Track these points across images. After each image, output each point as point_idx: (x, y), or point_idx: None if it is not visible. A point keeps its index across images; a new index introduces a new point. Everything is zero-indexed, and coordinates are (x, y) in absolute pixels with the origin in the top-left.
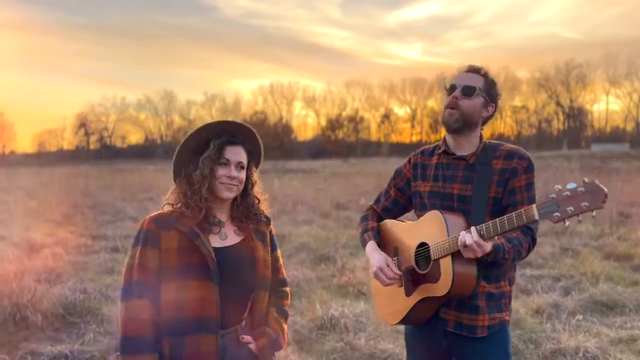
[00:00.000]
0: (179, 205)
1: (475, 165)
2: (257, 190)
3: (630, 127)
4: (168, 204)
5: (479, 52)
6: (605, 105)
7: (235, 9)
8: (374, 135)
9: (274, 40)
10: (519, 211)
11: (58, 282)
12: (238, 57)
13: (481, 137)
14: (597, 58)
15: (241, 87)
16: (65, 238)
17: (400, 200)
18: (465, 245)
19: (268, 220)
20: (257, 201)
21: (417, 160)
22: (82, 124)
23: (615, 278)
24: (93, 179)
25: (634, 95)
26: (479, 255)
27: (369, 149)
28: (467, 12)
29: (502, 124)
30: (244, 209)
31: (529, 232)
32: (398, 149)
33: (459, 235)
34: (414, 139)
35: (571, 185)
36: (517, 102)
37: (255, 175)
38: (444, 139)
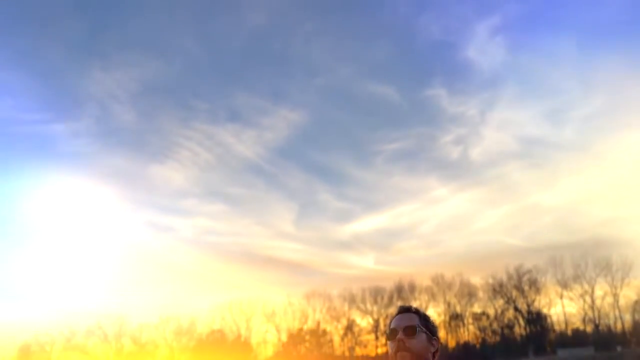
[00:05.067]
0: None
1: None
2: None
3: (590, 328)
4: None
5: (430, 260)
6: (561, 308)
7: (193, 228)
8: (338, 349)
9: (230, 256)
10: None
11: None
12: (194, 276)
13: None
14: (544, 262)
15: (198, 305)
16: None
17: None
18: None
19: None
20: None
21: None
22: (23, 356)
23: None
24: None
25: (587, 297)
26: None
27: None
28: (413, 224)
29: (465, 332)
30: None
31: None
32: None
33: None
34: (379, 350)
35: None
36: (477, 308)
37: None
38: None
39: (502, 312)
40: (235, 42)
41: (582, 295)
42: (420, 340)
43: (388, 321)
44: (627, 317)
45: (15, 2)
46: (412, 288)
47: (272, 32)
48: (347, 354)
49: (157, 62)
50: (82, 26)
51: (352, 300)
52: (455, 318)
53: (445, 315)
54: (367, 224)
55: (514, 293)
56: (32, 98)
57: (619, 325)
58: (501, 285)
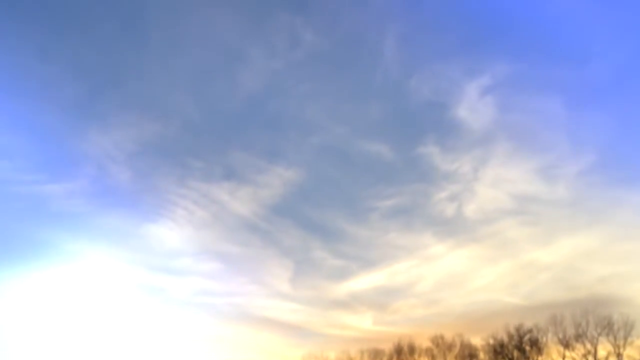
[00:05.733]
0: None
1: None
2: None
3: None
4: None
5: (429, 319)
6: None
7: (186, 288)
8: None
9: (225, 316)
10: None
11: None
12: (187, 337)
13: None
14: (544, 321)
15: None
16: None
17: None
18: None
19: None
20: None
21: None
22: None
23: None
24: None
25: (589, 357)
26: None
27: None
28: (410, 282)
29: None
30: None
31: None
32: None
33: None
34: None
35: None
36: None
37: None
38: None
39: None
40: (233, 103)
41: (585, 355)
42: None
43: None
44: None
45: (17, 67)
46: (412, 349)
47: (268, 94)
48: None
49: (155, 123)
50: (82, 89)
51: None
52: None
53: None
54: (363, 282)
55: (516, 354)
56: (30, 160)
57: None
58: (502, 345)
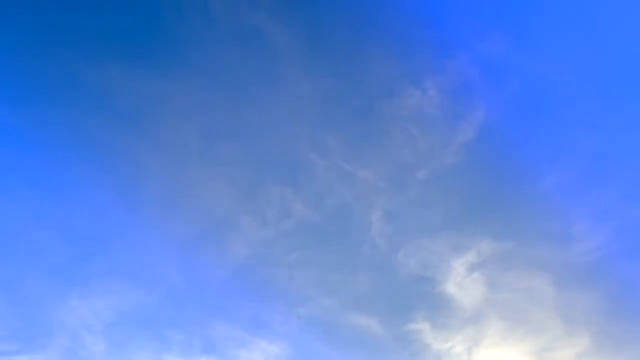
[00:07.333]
0: None
1: None
2: None
3: None
4: None
5: None
6: None
7: None
8: None
9: None
10: None
11: None
12: None
13: None
14: None
15: None
16: None
17: None
18: None
19: None
20: None
21: None
22: None
23: None
24: None
25: None
26: None
27: None
28: None
29: None
30: None
31: None
32: None
33: None
34: None
35: None
36: None
37: None
38: None
39: None
40: (220, 272)
41: None
42: None
43: None
44: None
45: (10, 232)
46: None
47: (256, 262)
48: None
49: (137, 291)
50: (69, 255)
51: None
52: None
53: None
54: None
55: None
56: (4, 328)
57: None
58: None
